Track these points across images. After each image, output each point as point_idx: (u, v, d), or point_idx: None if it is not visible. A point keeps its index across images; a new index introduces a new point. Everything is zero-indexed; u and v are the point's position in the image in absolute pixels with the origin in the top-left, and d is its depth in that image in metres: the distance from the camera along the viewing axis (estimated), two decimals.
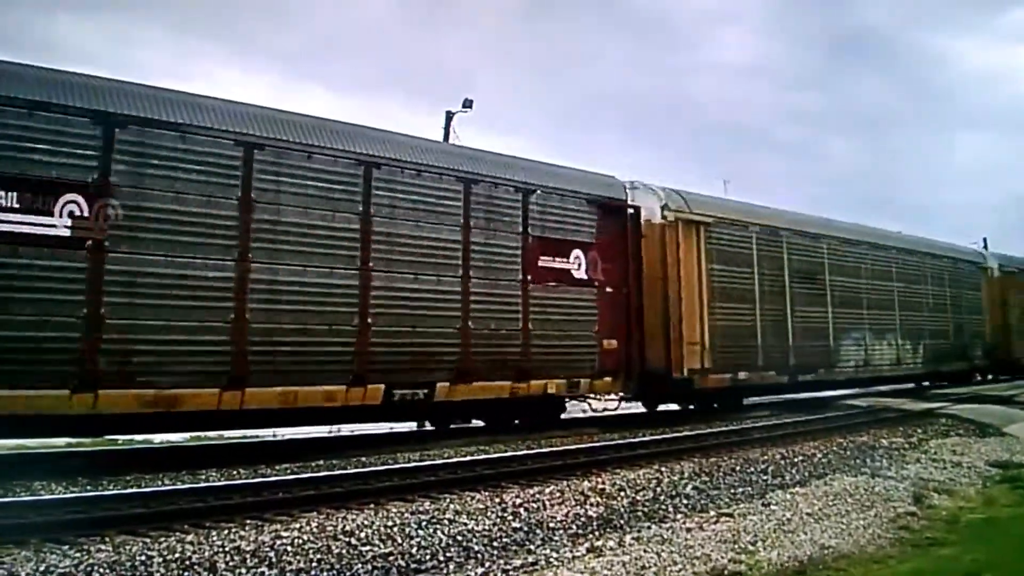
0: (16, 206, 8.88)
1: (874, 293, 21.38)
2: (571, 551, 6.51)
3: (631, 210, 15.32)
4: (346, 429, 13.90)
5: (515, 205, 13.46)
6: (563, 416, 14.96)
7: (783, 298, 18.23)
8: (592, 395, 14.71)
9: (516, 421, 13.90)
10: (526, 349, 13.19)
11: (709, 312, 16.14)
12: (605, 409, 15.28)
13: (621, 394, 15.12)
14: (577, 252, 14.17)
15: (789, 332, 18.26)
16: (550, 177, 14.28)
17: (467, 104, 22.27)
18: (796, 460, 11.02)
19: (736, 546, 6.69)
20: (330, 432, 13.80)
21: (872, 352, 20.97)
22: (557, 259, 13.88)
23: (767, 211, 19.01)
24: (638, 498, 8.41)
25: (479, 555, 6.42)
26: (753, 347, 17.24)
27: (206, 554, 5.98)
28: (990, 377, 27.41)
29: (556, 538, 6.95)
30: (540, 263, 13.62)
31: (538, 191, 13.78)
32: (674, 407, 17.68)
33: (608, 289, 14.51)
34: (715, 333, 16.18)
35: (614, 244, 14.78)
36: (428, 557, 6.29)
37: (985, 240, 37.20)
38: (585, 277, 14.24)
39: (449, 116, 22.46)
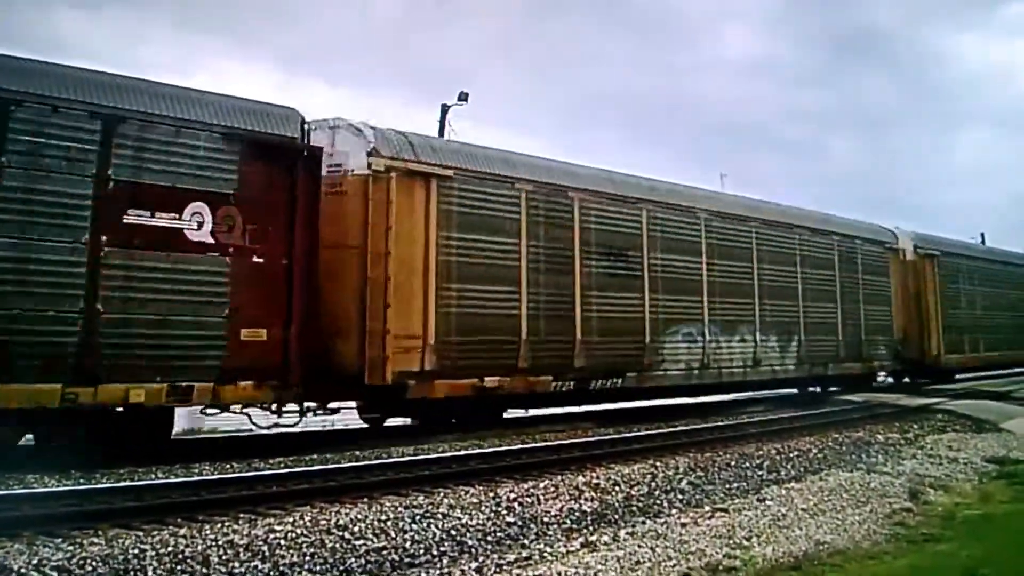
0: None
1: (721, 275, 16.67)
2: (565, 546, 6.50)
3: (306, 153, 11.01)
4: (339, 423, 13.87)
5: (90, 139, 9.35)
6: (176, 437, 11.48)
7: (570, 279, 13.85)
8: (223, 406, 10.40)
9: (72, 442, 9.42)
10: (91, 338, 9.12)
11: (438, 295, 11.97)
12: (276, 425, 10.96)
13: (276, 405, 10.67)
14: (198, 207, 10.11)
15: (577, 324, 13.85)
16: (157, 101, 10.09)
17: (462, 97, 22.25)
18: (791, 455, 11.03)
19: (731, 541, 6.68)
20: (324, 426, 13.76)
21: (716, 351, 16.43)
22: (161, 215, 9.85)
23: (549, 165, 14.48)
24: (633, 493, 8.40)
25: (473, 549, 6.41)
26: (513, 343, 12.95)
27: (199, 548, 5.95)
28: (906, 382, 23.23)
29: (550, 532, 6.95)
30: (127, 219, 9.63)
31: (133, 120, 9.67)
32: (404, 421, 13.78)
33: (256, 259, 10.48)
34: (446, 324, 12.04)
35: (273, 199, 10.68)
36: (422, 551, 6.28)
37: (983, 236, 37.18)
38: (210, 241, 10.15)
39: (444, 109, 22.43)
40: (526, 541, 6.67)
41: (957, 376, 24.32)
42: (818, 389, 20.79)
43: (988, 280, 26.26)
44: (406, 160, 11.94)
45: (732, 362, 16.85)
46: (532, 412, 14.79)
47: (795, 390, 20.49)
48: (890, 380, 23.56)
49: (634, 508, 7.88)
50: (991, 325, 25.99)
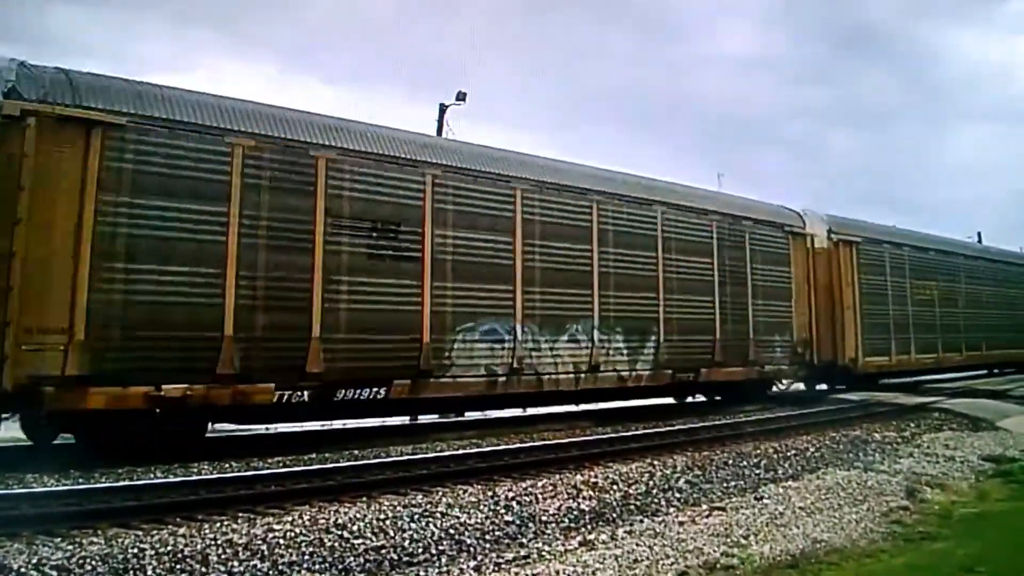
0: None
1: (544, 260, 13.57)
2: (563, 544, 6.52)
3: None
4: (338, 424, 13.87)
5: None
6: None
7: (308, 260, 10.95)
8: None
9: None
10: None
11: (96, 277, 9.33)
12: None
13: None
14: None
15: (314, 317, 10.90)
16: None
17: (460, 97, 22.24)
18: (789, 454, 11.05)
19: (728, 540, 6.70)
20: (322, 425, 13.77)
21: (534, 353, 13.33)
22: None
23: (284, 115, 11.39)
24: (630, 492, 8.42)
25: (471, 548, 6.42)
26: (213, 341, 10.08)
27: (198, 547, 5.97)
28: (825, 388, 20.74)
29: (548, 531, 6.96)
30: None
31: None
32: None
33: None
34: (108, 315, 9.35)
35: None
36: (420, 550, 6.29)
37: (979, 235, 37.19)
38: None
39: (443, 109, 22.42)
40: (524, 540, 6.69)
41: (882, 382, 21.28)
42: (696, 399, 17.98)
43: (926, 272, 23.14)
44: (56, 104, 9.29)
45: (558, 367, 13.60)
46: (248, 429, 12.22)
47: (666, 400, 17.41)
48: (801, 387, 20.52)
49: (632, 507, 7.90)
50: (928, 324, 22.79)
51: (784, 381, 19.30)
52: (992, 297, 26.40)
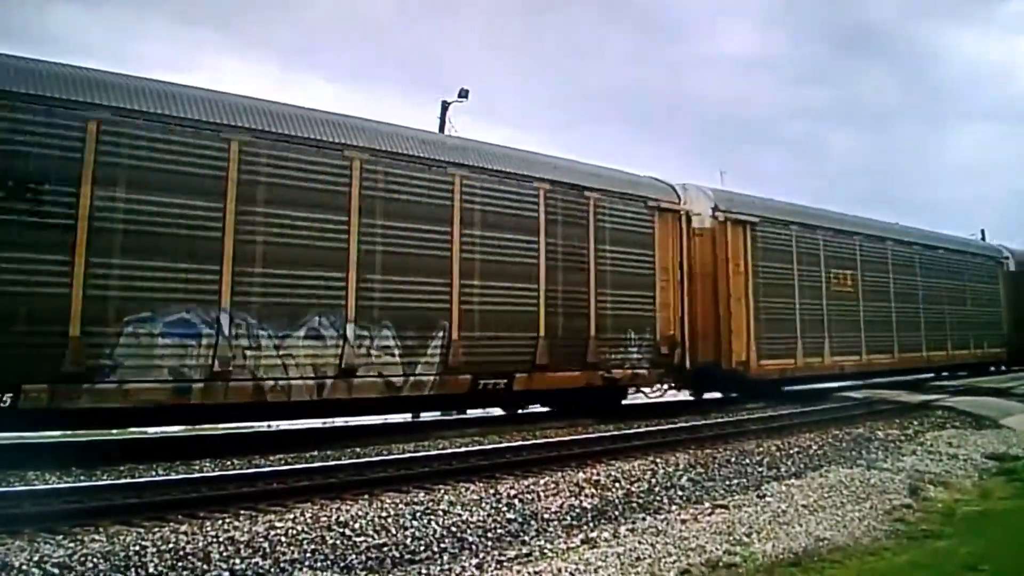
0: None
1: (268, 233, 10.61)
2: (565, 542, 6.51)
3: None
4: (340, 420, 13.87)
5: None
6: None
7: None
8: None
9: None
10: None
11: None
12: None
13: None
14: None
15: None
16: None
17: (463, 94, 22.24)
18: (791, 452, 11.02)
19: (731, 538, 6.68)
20: (324, 423, 13.77)
21: (249, 351, 10.33)
22: None
23: None
24: (633, 489, 8.40)
25: (473, 546, 6.41)
26: None
27: (200, 544, 5.97)
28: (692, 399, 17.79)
29: (551, 529, 6.95)
30: None
31: None
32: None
33: None
34: None
35: None
36: (422, 548, 6.28)
37: (983, 232, 37.06)
38: None
39: (445, 106, 22.42)
40: (526, 538, 6.68)
41: (787, 389, 18.14)
42: (498, 412, 14.83)
43: (847, 260, 19.89)
44: None
45: (288, 371, 10.58)
46: None
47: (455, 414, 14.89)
48: (677, 395, 17.50)
49: (634, 504, 7.89)
50: (850, 320, 19.62)
51: (647, 389, 15.94)
52: (936, 290, 23.11)
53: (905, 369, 21.73)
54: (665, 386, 16.15)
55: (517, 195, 13.23)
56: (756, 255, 17.18)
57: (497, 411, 14.97)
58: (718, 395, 18.32)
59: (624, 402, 15.65)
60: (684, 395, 17.91)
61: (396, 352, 11.55)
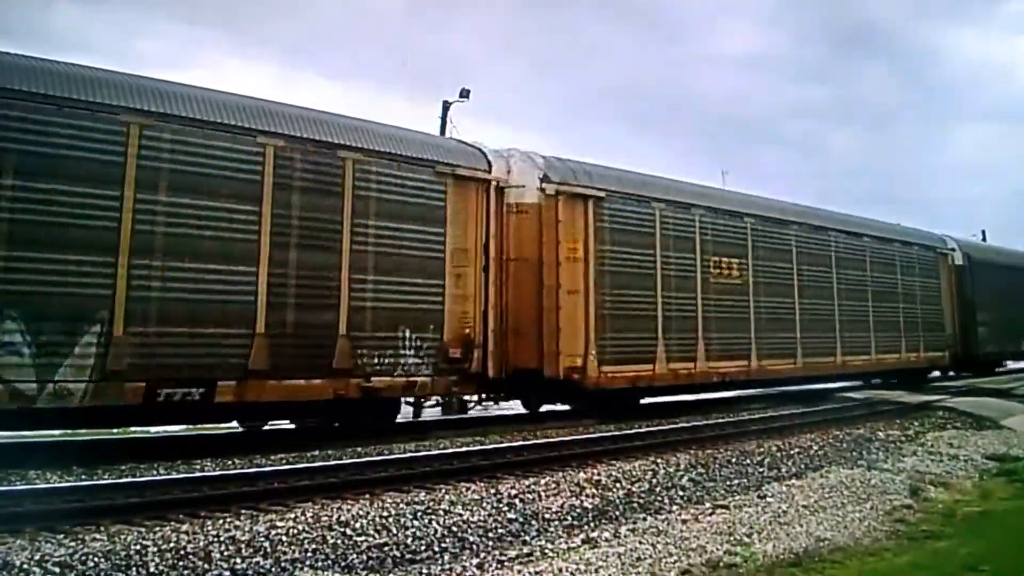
0: None
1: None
2: (566, 542, 6.51)
3: None
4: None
5: None
6: None
7: None
8: None
9: None
10: None
11: None
12: None
13: None
14: None
15: None
16: None
17: (464, 94, 22.23)
18: (792, 452, 11.02)
19: (731, 538, 6.69)
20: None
21: None
22: None
23: None
24: (633, 489, 8.40)
25: (474, 546, 6.41)
26: None
27: (201, 544, 5.97)
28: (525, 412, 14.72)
29: (551, 529, 6.95)
30: None
31: None
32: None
33: None
34: None
35: None
36: (423, 548, 6.28)
37: (984, 233, 37.13)
38: None
39: (446, 106, 22.41)
40: (527, 537, 6.68)
41: (645, 401, 15.26)
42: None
43: (735, 247, 16.51)
44: None
45: None
46: None
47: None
48: (481, 409, 14.92)
49: (635, 504, 7.89)
50: (736, 319, 16.27)
51: (433, 399, 13.44)
52: (857, 283, 20.03)
53: (812, 377, 18.77)
54: (475, 398, 13.74)
55: (229, 152, 10.30)
56: (601, 237, 13.95)
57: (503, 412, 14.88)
58: (567, 407, 15.15)
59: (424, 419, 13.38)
60: (518, 408, 15.05)
61: (25, 351, 8.75)
